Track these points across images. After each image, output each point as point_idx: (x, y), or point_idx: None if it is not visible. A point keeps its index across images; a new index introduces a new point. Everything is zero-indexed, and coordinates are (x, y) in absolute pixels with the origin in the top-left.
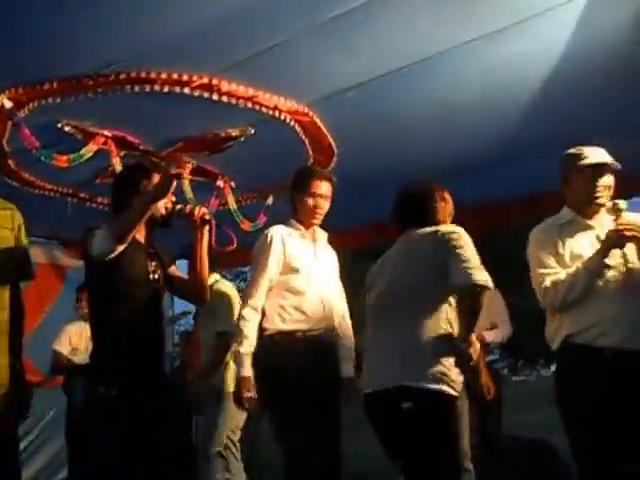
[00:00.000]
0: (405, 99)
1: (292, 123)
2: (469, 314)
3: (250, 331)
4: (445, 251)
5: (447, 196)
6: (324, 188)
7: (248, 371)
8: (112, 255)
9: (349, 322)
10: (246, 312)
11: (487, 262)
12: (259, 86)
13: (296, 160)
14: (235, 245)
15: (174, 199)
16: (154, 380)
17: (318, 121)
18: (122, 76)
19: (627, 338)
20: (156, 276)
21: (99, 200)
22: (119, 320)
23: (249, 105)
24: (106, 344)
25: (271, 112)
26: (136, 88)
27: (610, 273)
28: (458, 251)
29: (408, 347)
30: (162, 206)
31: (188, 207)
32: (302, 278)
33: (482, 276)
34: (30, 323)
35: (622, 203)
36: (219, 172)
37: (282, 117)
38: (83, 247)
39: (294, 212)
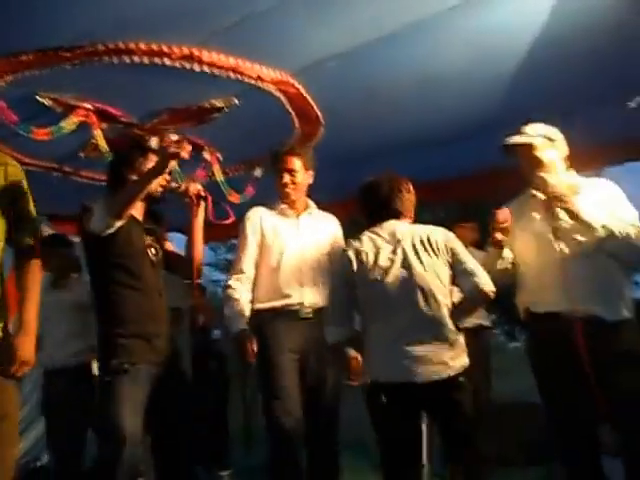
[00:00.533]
0: (388, 68)
1: (277, 93)
2: (465, 311)
3: (239, 294)
4: (452, 250)
5: (411, 187)
6: (290, 162)
7: (243, 325)
8: (110, 230)
9: None
10: (232, 282)
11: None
12: (241, 56)
13: (283, 131)
14: (233, 219)
15: (168, 177)
16: (160, 351)
17: (303, 91)
18: (100, 47)
19: (575, 303)
20: (153, 251)
21: (83, 174)
22: (120, 296)
23: (232, 76)
24: (110, 320)
25: (254, 82)
26: (115, 60)
27: (555, 243)
28: (463, 253)
29: (451, 335)
30: (158, 184)
31: (183, 184)
32: (277, 255)
33: (489, 284)
34: None
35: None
36: (205, 144)
37: (266, 87)
38: (80, 224)
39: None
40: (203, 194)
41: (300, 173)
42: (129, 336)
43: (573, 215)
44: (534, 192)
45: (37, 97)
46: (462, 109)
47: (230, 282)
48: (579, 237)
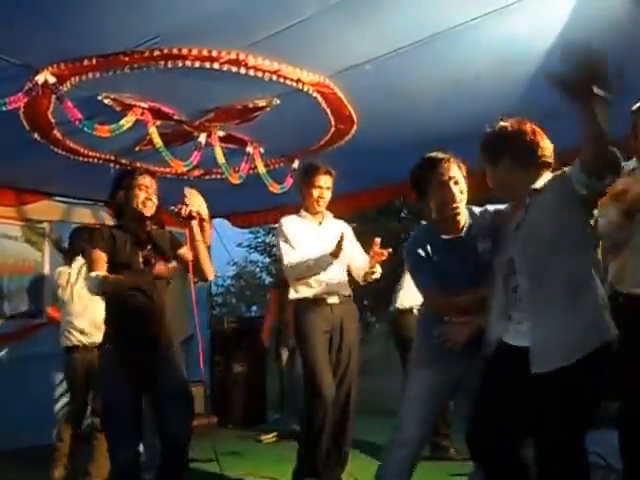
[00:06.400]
0: (416, 72)
1: (314, 94)
2: None
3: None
4: None
5: None
6: (325, 181)
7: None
8: None
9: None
10: (290, 260)
11: None
12: (283, 60)
13: (320, 128)
14: None
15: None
16: (146, 340)
17: (338, 92)
18: (156, 53)
19: None
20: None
21: (138, 165)
22: (116, 300)
23: (274, 78)
24: (110, 318)
25: (294, 84)
26: (169, 64)
27: None
28: None
29: None
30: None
31: (177, 208)
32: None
33: None
34: None
35: None
36: (249, 139)
37: (305, 89)
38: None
39: (303, 202)
40: (193, 214)
41: (330, 190)
42: (120, 328)
43: None
44: None
45: (98, 97)
46: (483, 111)
47: (290, 261)
48: None
